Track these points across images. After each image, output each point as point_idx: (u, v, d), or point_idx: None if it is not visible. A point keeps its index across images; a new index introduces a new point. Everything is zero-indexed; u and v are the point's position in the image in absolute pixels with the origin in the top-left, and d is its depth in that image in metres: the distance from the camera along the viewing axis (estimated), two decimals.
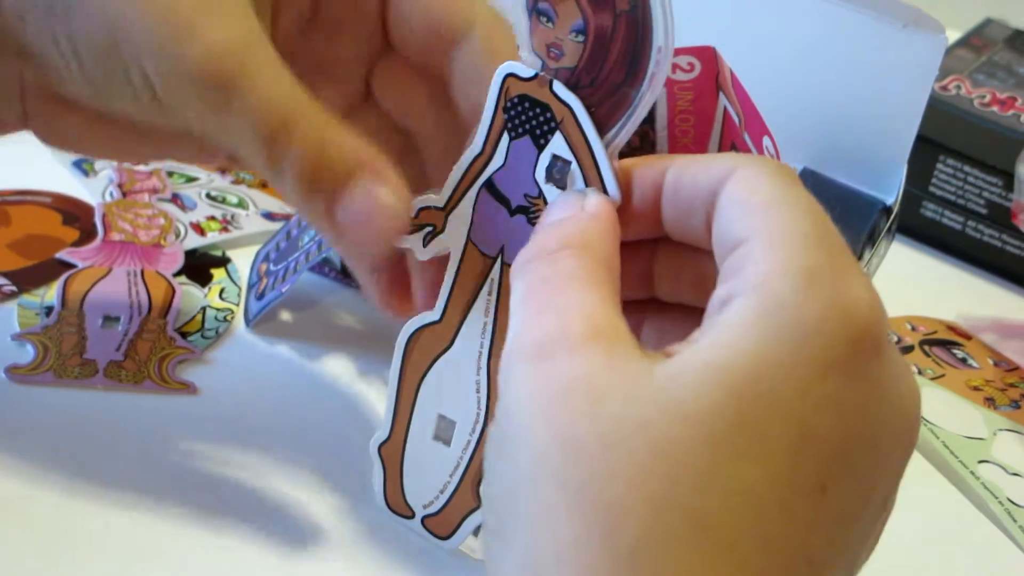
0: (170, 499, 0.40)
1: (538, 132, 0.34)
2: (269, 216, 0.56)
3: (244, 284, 0.51)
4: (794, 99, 0.53)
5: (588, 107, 0.33)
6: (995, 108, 0.63)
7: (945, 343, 0.58)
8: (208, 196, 0.57)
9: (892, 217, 0.52)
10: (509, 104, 0.34)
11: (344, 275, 0.52)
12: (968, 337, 0.59)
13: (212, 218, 0.55)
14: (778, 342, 0.27)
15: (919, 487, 0.49)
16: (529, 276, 0.31)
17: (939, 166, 0.64)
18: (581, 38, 0.32)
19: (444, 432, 0.38)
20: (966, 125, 0.63)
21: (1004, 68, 0.68)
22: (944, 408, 0.53)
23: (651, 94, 0.31)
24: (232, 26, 0.35)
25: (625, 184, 0.33)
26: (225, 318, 0.49)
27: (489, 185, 0.35)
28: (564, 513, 0.26)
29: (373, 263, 0.38)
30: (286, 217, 0.56)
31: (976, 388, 0.55)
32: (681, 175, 0.32)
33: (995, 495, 0.48)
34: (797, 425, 0.27)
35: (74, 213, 0.54)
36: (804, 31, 0.53)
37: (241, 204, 0.56)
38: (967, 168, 0.63)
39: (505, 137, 0.35)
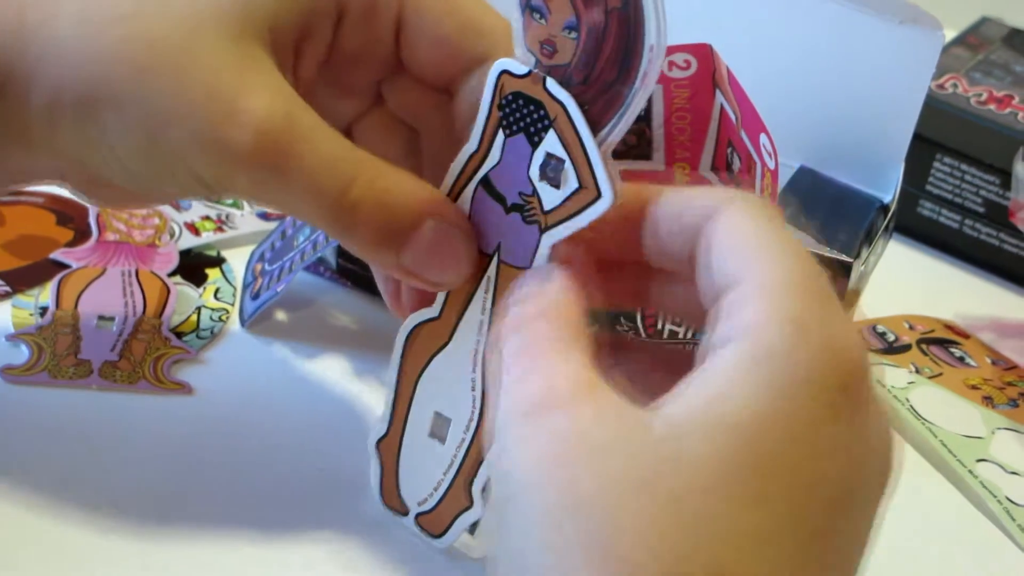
0: (165, 499, 0.40)
1: (532, 130, 0.34)
2: (264, 216, 0.56)
3: (239, 284, 0.51)
4: (791, 97, 0.53)
5: (581, 105, 0.32)
6: (992, 106, 0.63)
7: (943, 342, 0.58)
8: None
9: (889, 215, 0.52)
10: (504, 101, 0.34)
11: (339, 275, 0.52)
12: (966, 336, 0.59)
13: (207, 218, 0.55)
14: (772, 391, 0.28)
15: (918, 486, 0.49)
16: (509, 345, 0.31)
17: (936, 165, 0.64)
18: (574, 35, 0.32)
19: (439, 429, 0.38)
20: (963, 123, 0.63)
21: (1001, 66, 0.68)
22: (942, 407, 0.53)
23: (644, 92, 0.31)
24: (271, 100, 0.34)
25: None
26: (220, 318, 0.49)
27: (485, 182, 0.35)
28: (580, 573, 0.26)
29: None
30: (281, 217, 0.56)
31: (974, 387, 0.55)
32: (662, 210, 0.33)
33: (993, 494, 0.48)
34: (800, 472, 0.27)
35: (68, 213, 0.54)
36: (801, 28, 0.53)
37: (236, 204, 0.56)
38: (964, 167, 0.63)
39: (500, 134, 0.34)
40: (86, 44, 0.34)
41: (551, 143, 0.33)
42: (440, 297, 0.37)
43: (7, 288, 0.49)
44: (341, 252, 0.51)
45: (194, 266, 0.52)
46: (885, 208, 0.52)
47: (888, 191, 0.53)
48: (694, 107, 0.48)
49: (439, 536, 0.39)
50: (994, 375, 0.56)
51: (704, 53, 0.47)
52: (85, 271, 0.50)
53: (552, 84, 0.33)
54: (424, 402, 0.38)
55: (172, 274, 0.51)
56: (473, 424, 0.37)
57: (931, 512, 0.48)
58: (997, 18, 0.74)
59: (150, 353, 0.46)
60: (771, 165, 0.46)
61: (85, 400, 0.44)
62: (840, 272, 0.45)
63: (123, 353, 0.46)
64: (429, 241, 0.35)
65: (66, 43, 0.35)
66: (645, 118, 0.49)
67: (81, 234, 0.53)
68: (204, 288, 0.51)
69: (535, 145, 0.34)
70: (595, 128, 0.32)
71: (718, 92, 0.47)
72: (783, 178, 0.52)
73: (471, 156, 0.35)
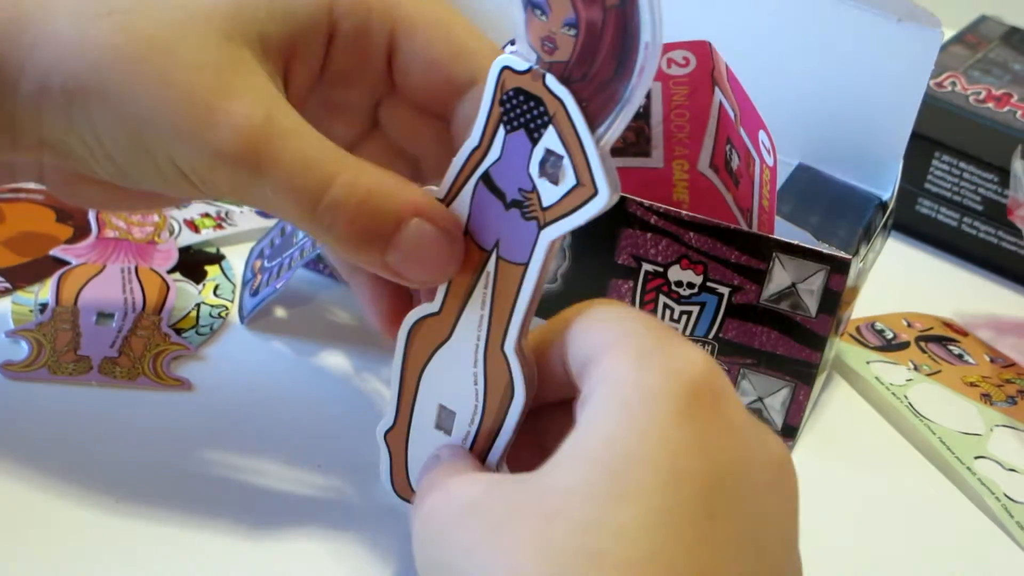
0: (164, 494, 0.40)
1: (532, 126, 0.34)
2: (263, 213, 0.56)
3: (238, 281, 0.51)
4: (790, 94, 0.53)
5: (580, 101, 0.32)
6: (991, 105, 0.64)
7: (941, 339, 0.58)
8: None
9: (888, 213, 0.52)
10: (505, 97, 0.34)
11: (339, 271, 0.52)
12: (964, 333, 0.59)
13: (206, 215, 0.55)
14: (629, 410, 0.31)
15: (916, 483, 0.49)
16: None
17: (935, 163, 0.64)
18: (573, 32, 0.32)
19: (445, 422, 0.38)
20: (962, 122, 0.63)
21: (999, 65, 0.68)
22: (940, 404, 0.53)
23: (640, 90, 0.31)
24: (252, 101, 0.35)
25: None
26: (219, 315, 0.49)
27: (486, 178, 0.35)
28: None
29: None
30: None
31: (972, 384, 0.55)
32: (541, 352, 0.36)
33: (992, 491, 0.48)
34: (660, 469, 0.30)
35: (68, 210, 0.54)
36: (800, 26, 0.53)
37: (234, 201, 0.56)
38: (963, 165, 0.63)
39: (501, 130, 0.34)
40: (78, 34, 0.35)
41: (550, 139, 0.33)
42: (440, 292, 0.37)
43: (7, 284, 0.49)
44: None
45: (193, 263, 0.52)
46: (884, 206, 0.52)
47: (887, 189, 0.53)
48: (693, 104, 0.48)
49: None
50: (992, 372, 0.56)
51: (703, 50, 0.47)
52: (85, 268, 0.50)
53: (552, 80, 0.33)
54: (428, 395, 0.38)
55: (172, 271, 0.51)
56: (477, 417, 0.37)
57: (929, 509, 0.48)
58: (996, 17, 0.74)
59: (150, 349, 0.46)
60: (770, 162, 0.46)
61: (85, 396, 0.44)
62: (839, 269, 0.45)
63: (123, 349, 0.46)
64: (414, 240, 0.35)
65: (59, 33, 0.35)
66: (644, 115, 0.49)
67: (81, 231, 0.53)
68: (203, 285, 0.51)
69: (535, 141, 0.34)
70: (593, 125, 0.32)
71: (717, 89, 0.47)
72: (782, 175, 0.52)
73: (472, 151, 0.35)
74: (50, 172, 0.38)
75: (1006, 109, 0.63)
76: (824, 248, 0.45)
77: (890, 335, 0.57)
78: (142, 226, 0.54)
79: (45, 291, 0.49)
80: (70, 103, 0.35)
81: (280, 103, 0.35)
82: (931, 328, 0.59)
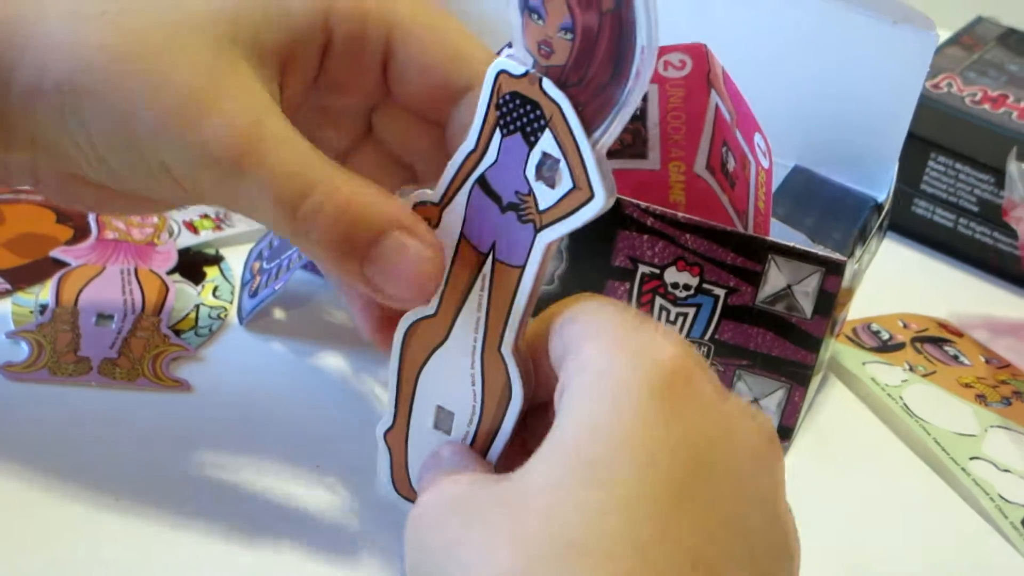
0: (164, 495, 0.40)
1: (528, 129, 0.34)
2: None
3: (237, 282, 0.51)
4: (785, 96, 0.53)
5: (576, 105, 0.33)
6: (986, 106, 0.64)
7: (937, 340, 0.58)
8: None
9: (884, 214, 0.52)
10: (501, 101, 0.34)
11: None
12: (960, 334, 0.59)
13: (205, 216, 0.55)
14: (602, 398, 0.32)
15: (911, 484, 0.49)
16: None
17: (930, 164, 0.64)
18: (569, 36, 0.32)
19: (444, 422, 0.38)
20: (957, 123, 0.63)
21: (995, 66, 0.68)
22: (936, 405, 0.53)
23: (636, 94, 0.31)
24: (243, 104, 0.35)
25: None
26: (219, 316, 0.50)
27: (482, 181, 0.35)
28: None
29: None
30: None
31: (967, 385, 0.55)
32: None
33: (986, 491, 0.48)
34: (636, 451, 0.31)
35: (68, 212, 0.54)
36: (795, 28, 0.53)
37: None
38: (958, 166, 0.63)
39: (497, 134, 0.35)
40: (71, 34, 0.35)
41: (547, 143, 0.34)
42: (436, 294, 0.37)
43: (7, 286, 0.49)
44: None
45: (193, 264, 0.53)
46: (879, 207, 0.52)
47: (882, 190, 0.53)
48: (689, 107, 0.48)
49: None
50: (987, 373, 0.56)
51: (699, 53, 0.47)
52: (85, 269, 0.51)
53: (548, 84, 0.33)
54: (426, 397, 0.38)
55: (171, 272, 0.51)
56: (476, 417, 0.37)
57: (924, 509, 0.48)
58: (992, 18, 0.74)
59: (149, 350, 0.47)
60: (765, 164, 0.46)
61: (84, 397, 0.44)
62: (834, 271, 0.45)
63: (122, 350, 0.46)
64: (393, 254, 0.35)
65: (52, 33, 0.35)
66: (640, 117, 0.49)
67: (81, 232, 0.53)
68: (203, 286, 0.51)
69: (531, 145, 0.34)
70: (589, 128, 0.33)
71: (713, 92, 0.48)
72: (778, 177, 0.52)
73: (468, 155, 0.35)
74: (45, 174, 0.38)
75: (1002, 110, 0.63)
76: (819, 250, 0.46)
77: (886, 336, 0.57)
78: (142, 227, 0.54)
79: (45, 292, 0.49)
80: (62, 103, 0.35)
81: (271, 109, 0.35)
82: (927, 329, 0.59)
